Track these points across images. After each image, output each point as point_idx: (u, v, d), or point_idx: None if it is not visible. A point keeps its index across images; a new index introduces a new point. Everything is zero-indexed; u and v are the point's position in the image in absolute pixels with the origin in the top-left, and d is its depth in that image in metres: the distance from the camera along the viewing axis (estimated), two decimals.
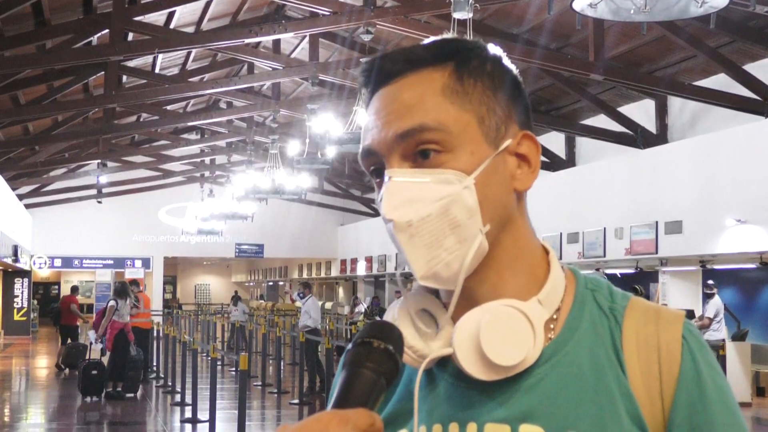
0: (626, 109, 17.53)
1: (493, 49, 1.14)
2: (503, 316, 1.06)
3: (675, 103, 16.76)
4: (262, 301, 42.77)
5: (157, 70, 19.50)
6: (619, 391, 1.05)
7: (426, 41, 1.13)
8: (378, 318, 1.18)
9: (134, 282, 16.73)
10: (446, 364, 1.11)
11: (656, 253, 15.22)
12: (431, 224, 1.05)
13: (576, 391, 1.05)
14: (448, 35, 1.15)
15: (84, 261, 32.62)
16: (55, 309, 17.84)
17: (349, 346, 1.00)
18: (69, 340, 19.25)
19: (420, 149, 1.07)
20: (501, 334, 1.05)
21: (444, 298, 1.12)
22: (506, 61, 1.14)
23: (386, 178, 1.07)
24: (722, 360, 12.62)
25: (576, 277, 1.16)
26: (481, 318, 1.06)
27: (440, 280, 1.07)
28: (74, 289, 21.55)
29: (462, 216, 1.05)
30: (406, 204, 1.05)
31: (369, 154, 1.11)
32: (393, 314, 1.12)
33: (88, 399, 14.08)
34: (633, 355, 1.07)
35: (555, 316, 1.10)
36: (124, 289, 14.67)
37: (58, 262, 32.58)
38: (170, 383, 15.05)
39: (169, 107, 22.84)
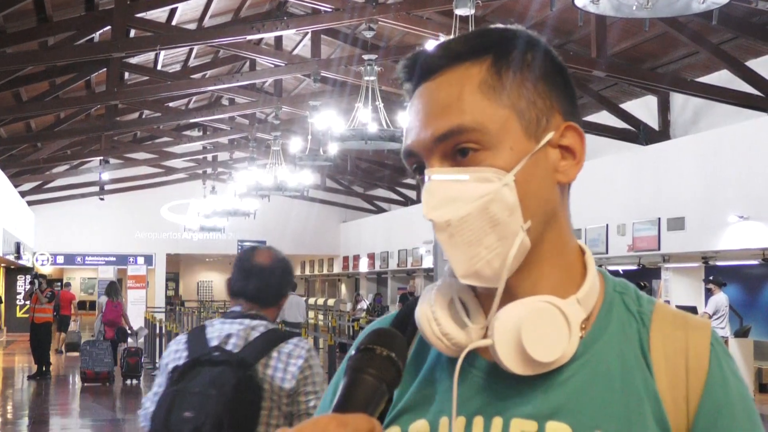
0: (629, 106, 17.52)
1: (536, 36, 1.12)
2: (543, 312, 1.06)
3: (677, 99, 16.74)
4: None
5: (159, 67, 19.49)
6: (645, 393, 1.05)
7: (468, 33, 1.11)
8: (402, 303, 1.18)
9: (43, 276, 19.15)
10: (476, 356, 1.11)
11: (659, 249, 15.22)
12: (471, 223, 1.04)
13: (604, 391, 1.05)
14: (485, 27, 1.13)
15: (86, 258, 32.65)
16: (54, 301, 19.44)
17: (352, 352, 1.01)
18: (71, 327, 22.67)
19: (459, 148, 1.06)
20: (541, 331, 1.05)
21: (479, 289, 1.11)
22: (549, 49, 1.12)
23: (426, 179, 1.07)
24: None
25: (605, 279, 1.15)
26: (522, 313, 1.05)
27: (482, 278, 1.06)
28: (67, 285, 26.28)
29: (502, 214, 1.04)
30: (445, 203, 1.05)
31: (410, 155, 1.11)
32: (430, 299, 1.11)
33: (128, 382, 15.96)
34: (660, 358, 1.07)
35: (587, 316, 1.10)
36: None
37: (60, 259, 32.58)
38: None
39: (171, 104, 22.86)
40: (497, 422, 1.07)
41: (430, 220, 1.05)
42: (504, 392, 1.08)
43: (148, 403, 2.86)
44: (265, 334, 2.85)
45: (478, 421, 1.08)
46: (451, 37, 1.15)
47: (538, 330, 1.05)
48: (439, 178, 1.06)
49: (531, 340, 1.04)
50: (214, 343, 2.83)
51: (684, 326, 1.09)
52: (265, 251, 3.08)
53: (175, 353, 2.91)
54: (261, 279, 2.99)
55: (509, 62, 1.08)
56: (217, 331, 2.88)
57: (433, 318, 1.09)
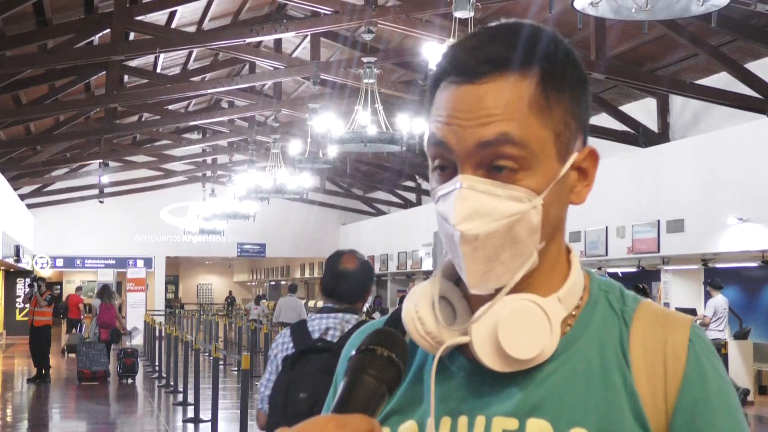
0: (628, 108, 17.52)
1: (573, 50, 1.11)
2: (522, 310, 1.07)
3: (677, 101, 16.74)
4: (264, 301, 42.75)
5: (158, 70, 19.50)
6: (624, 390, 1.06)
7: (505, 33, 1.09)
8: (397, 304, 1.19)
9: (42, 279, 19.09)
10: (459, 356, 1.12)
11: (658, 251, 15.21)
12: (494, 239, 1.05)
13: (584, 388, 1.06)
14: (511, 21, 1.12)
15: (86, 261, 32.60)
16: (62, 304, 20.05)
17: (353, 352, 1.01)
18: (73, 330, 22.96)
19: (497, 163, 1.05)
20: (519, 328, 1.06)
21: (466, 287, 1.12)
22: (582, 66, 1.12)
23: (458, 184, 1.06)
24: (724, 359, 12.62)
25: (591, 278, 1.17)
26: (502, 311, 1.07)
27: (487, 289, 1.08)
28: (78, 289, 26.47)
29: (523, 234, 1.05)
30: (474, 215, 1.04)
31: (442, 147, 1.08)
32: (415, 299, 1.12)
33: (125, 381, 16.70)
34: (639, 355, 1.08)
35: (574, 313, 1.11)
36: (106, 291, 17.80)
37: (60, 262, 32.55)
38: (172, 383, 15.06)
39: (170, 107, 22.85)
40: (480, 421, 1.08)
41: (458, 231, 1.05)
42: (486, 391, 1.10)
43: (262, 388, 3.49)
44: (357, 325, 3.34)
45: (463, 421, 1.09)
46: (484, 31, 1.12)
47: (516, 327, 1.06)
48: (471, 187, 1.05)
49: (508, 337, 1.05)
50: (316, 335, 3.39)
51: (664, 323, 1.10)
52: (350, 257, 3.67)
53: (282, 345, 3.49)
54: (349, 281, 3.57)
55: (555, 81, 1.08)
56: (316, 324, 3.45)
57: (417, 317, 1.10)
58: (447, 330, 1.10)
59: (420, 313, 1.10)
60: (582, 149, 1.12)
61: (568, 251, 1.17)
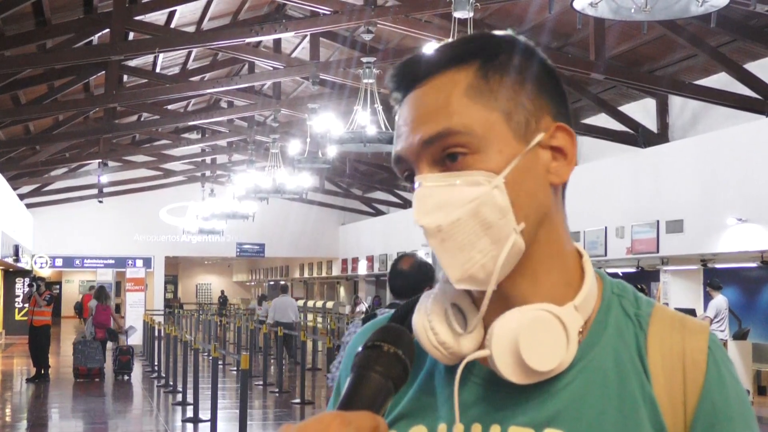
0: (627, 108, 17.52)
1: (523, 40, 1.11)
2: (541, 321, 1.05)
3: (676, 102, 16.75)
4: (266, 301, 42.72)
5: (157, 70, 19.49)
6: (642, 398, 1.05)
7: (448, 43, 1.11)
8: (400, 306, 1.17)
9: (41, 278, 19.58)
10: (473, 363, 1.10)
11: (657, 252, 15.22)
12: (462, 227, 1.03)
13: (600, 397, 1.05)
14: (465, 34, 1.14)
15: (85, 261, 32.61)
16: (78, 304, 20.64)
17: (359, 348, 1.00)
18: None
19: (448, 153, 1.05)
20: (538, 340, 1.04)
21: (475, 294, 1.11)
22: (537, 51, 1.11)
23: (417, 185, 1.07)
24: None
25: (603, 281, 1.14)
26: (520, 322, 1.05)
27: (476, 282, 1.05)
28: (91, 288, 27.16)
29: (493, 216, 1.03)
30: (436, 209, 1.04)
31: (399, 161, 1.10)
32: (426, 307, 1.10)
33: (120, 377, 17.15)
34: (657, 361, 1.07)
35: (586, 319, 1.10)
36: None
37: (59, 262, 32.55)
38: (171, 383, 15.06)
39: (169, 107, 22.85)
40: (495, 430, 1.07)
41: (420, 226, 1.05)
42: (502, 400, 1.08)
43: (334, 369, 4.11)
44: None
45: (476, 429, 1.08)
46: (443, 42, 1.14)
47: (535, 339, 1.04)
48: (429, 183, 1.05)
49: (529, 350, 1.04)
50: None
51: (681, 329, 1.09)
52: (407, 259, 4.22)
53: (354, 333, 3.93)
54: (404, 279, 4.13)
55: (497, 66, 1.07)
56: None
57: (430, 327, 1.08)
58: (460, 339, 1.08)
59: (433, 322, 1.08)
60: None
61: (580, 255, 1.14)
